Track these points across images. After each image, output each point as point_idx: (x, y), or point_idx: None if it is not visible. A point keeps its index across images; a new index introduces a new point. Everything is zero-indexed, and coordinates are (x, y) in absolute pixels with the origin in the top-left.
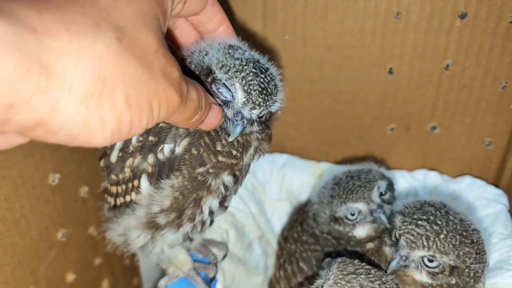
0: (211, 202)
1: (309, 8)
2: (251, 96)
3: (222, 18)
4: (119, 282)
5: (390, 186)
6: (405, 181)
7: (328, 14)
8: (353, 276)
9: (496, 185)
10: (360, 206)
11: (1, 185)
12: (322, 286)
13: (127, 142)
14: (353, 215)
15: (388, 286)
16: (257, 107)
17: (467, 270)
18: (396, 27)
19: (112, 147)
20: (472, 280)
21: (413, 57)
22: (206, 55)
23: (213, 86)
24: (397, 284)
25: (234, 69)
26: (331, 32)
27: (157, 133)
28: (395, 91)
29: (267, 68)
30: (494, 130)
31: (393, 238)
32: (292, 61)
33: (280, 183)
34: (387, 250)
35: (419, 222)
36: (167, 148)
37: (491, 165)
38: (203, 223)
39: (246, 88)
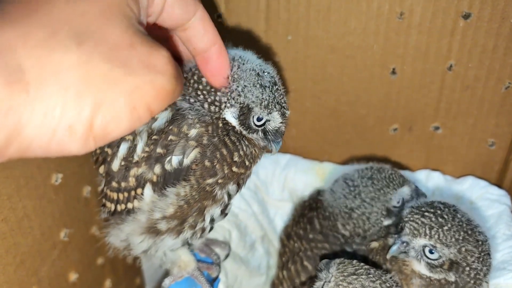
0: (214, 210)
1: (312, 9)
2: (285, 116)
3: (214, 37)
4: (121, 282)
5: None
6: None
7: (331, 15)
8: (354, 277)
9: (499, 185)
10: (406, 190)
11: (4, 185)
12: None
13: (131, 152)
14: (398, 202)
15: (388, 284)
16: (286, 120)
17: (467, 268)
18: (399, 28)
19: (113, 154)
20: (472, 281)
21: (416, 58)
22: (242, 91)
23: (251, 120)
24: (396, 283)
25: (271, 102)
26: (334, 32)
27: (166, 146)
28: (398, 91)
29: (275, 78)
30: (497, 131)
31: (398, 228)
32: (295, 61)
33: (282, 183)
34: (391, 240)
35: (426, 213)
36: (175, 159)
37: (494, 165)
38: (203, 230)
39: (281, 112)
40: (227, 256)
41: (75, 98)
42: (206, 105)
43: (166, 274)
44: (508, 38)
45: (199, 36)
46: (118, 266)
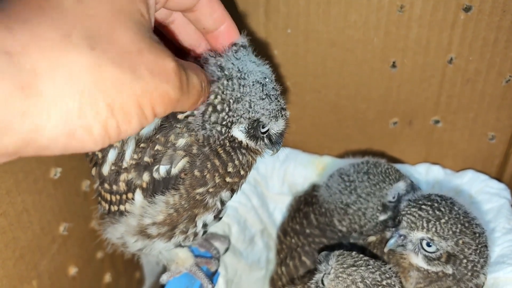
0: (206, 217)
1: (312, 2)
2: (287, 118)
3: (222, 15)
4: (121, 276)
5: None
6: (408, 175)
7: (331, 8)
8: (354, 268)
9: (499, 179)
10: (401, 185)
11: (2, 179)
12: (322, 281)
13: (120, 158)
14: (393, 198)
15: (388, 275)
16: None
17: (465, 261)
18: (400, 21)
19: (103, 159)
20: (469, 273)
21: (417, 51)
22: (250, 107)
23: (258, 130)
24: (396, 273)
25: (277, 112)
26: (334, 26)
27: (153, 155)
28: (398, 85)
29: (272, 78)
30: (497, 124)
31: (396, 221)
32: (294, 55)
33: (282, 177)
34: (388, 234)
35: (423, 206)
36: (162, 168)
37: (494, 159)
38: (195, 234)
39: (285, 116)
40: (226, 250)
41: (90, 101)
42: (218, 128)
43: (166, 268)
44: (509, 31)
45: (207, 16)
46: (117, 260)
